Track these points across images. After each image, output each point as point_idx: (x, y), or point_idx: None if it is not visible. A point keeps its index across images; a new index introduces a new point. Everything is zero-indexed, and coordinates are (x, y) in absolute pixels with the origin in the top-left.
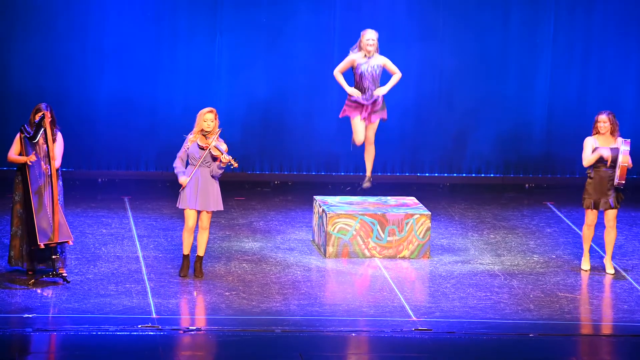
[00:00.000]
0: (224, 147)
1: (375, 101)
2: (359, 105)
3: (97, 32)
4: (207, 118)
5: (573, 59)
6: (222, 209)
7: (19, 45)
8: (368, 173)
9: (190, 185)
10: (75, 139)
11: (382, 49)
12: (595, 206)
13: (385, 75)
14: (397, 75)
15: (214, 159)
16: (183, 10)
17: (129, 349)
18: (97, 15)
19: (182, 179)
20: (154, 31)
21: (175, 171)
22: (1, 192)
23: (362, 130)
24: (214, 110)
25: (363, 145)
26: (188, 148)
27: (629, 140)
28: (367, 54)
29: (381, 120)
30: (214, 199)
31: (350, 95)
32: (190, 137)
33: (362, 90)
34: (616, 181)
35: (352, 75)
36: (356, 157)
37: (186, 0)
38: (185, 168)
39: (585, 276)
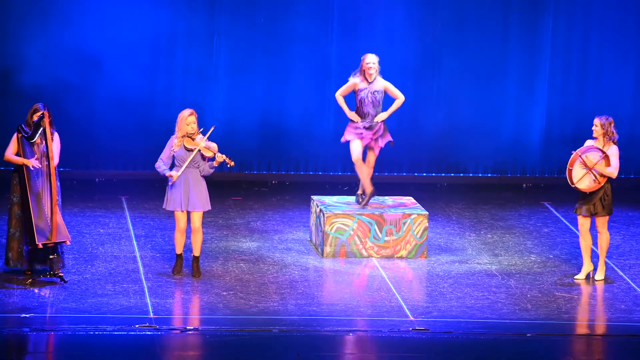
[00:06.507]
0: (214, 146)
1: (376, 129)
2: (359, 131)
3: (95, 32)
4: (189, 121)
5: (571, 61)
6: (210, 209)
7: (16, 45)
8: (368, 189)
9: (178, 187)
10: (73, 139)
11: (380, 51)
12: (579, 211)
13: (387, 100)
14: (399, 100)
15: (204, 158)
16: (181, 11)
17: (126, 348)
18: (96, 16)
19: (173, 173)
20: (152, 32)
21: (160, 170)
22: None
23: (359, 150)
24: (194, 112)
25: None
26: (174, 152)
27: (595, 146)
28: (368, 78)
29: (388, 144)
30: (204, 199)
31: (351, 121)
32: (175, 141)
33: (363, 115)
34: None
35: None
36: None
37: (184, 2)
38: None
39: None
